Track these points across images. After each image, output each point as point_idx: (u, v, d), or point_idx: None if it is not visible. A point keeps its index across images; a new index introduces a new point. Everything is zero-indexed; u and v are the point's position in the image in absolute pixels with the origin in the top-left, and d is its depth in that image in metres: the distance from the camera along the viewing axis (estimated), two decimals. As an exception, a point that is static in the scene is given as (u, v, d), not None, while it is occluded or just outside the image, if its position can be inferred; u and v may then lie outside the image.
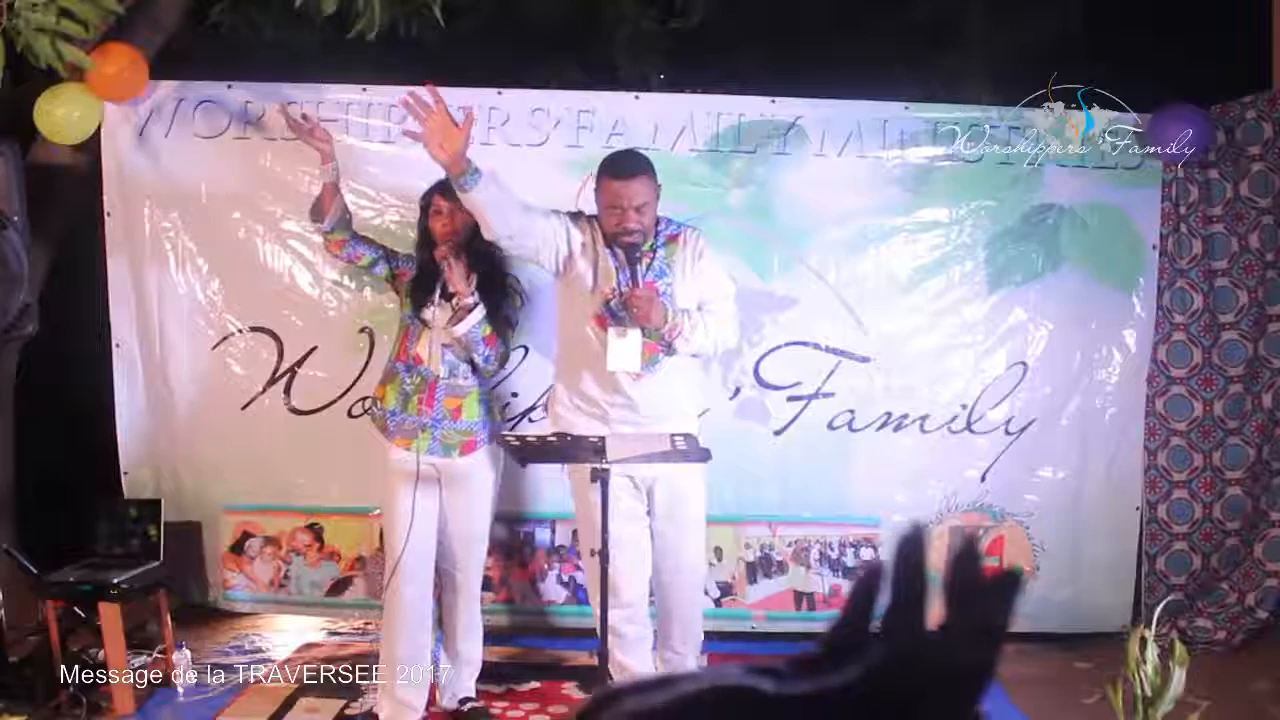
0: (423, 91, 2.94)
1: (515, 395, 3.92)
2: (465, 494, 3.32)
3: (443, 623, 3.45)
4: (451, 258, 3.16)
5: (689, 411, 3.29)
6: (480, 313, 3.18)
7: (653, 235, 3.16)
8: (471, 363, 3.25)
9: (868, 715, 0.48)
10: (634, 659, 3.25)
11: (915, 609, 0.50)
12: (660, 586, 3.31)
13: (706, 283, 3.21)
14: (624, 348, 3.06)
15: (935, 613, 0.50)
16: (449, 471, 3.28)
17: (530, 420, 3.92)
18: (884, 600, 0.51)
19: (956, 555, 0.50)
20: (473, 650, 3.45)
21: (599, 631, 3.02)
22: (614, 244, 3.11)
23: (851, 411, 3.98)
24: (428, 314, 3.21)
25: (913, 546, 0.51)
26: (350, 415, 3.91)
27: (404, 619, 3.27)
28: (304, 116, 3.35)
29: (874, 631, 0.51)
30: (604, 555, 3.01)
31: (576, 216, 3.21)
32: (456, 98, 3.89)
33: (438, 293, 3.18)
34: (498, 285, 3.30)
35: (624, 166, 3.09)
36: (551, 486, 3.86)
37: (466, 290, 3.17)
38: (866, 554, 4.06)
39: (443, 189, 3.31)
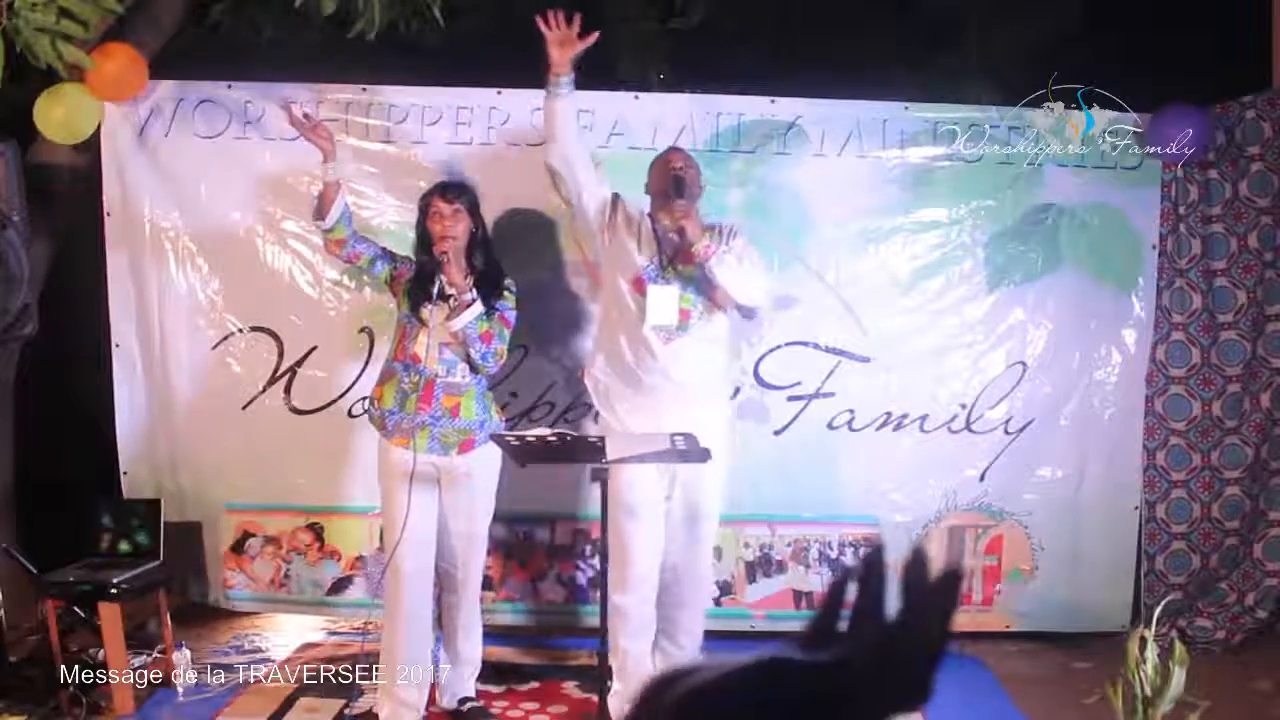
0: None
1: (514, 395, 3.92)
2: (464, 493, 3.32)
3: (442, 622, 3.45)
4: (450, 254, 3.18)
5: (717, 386, 3.49)
6: (477, 308, 3.20)
7: (694, 196, 3.35)
8: (469, 361, 3.26)
9: (858, 683, 0.61)
10: (637, 646, 3.27)
11: (877, 606, 0.64)
12: (671, 575, 3.37)
13: (736, 252, 3.34)
14: (661, 303, 3.27)
15: (894, 608, 0.63)
16: (448, 470, 3.29)
17: (530, 420, 3.92)
18: (852, 599, 0.64)
19: (907, 561, 0.63)
20: (473, 650, 3.45)
21: (601, 625, 3.04)
22: (662, 205, 3.31)
23: (851, 411, 3.98)
24: (425, 312, 3.22)
25: (876, 558, 0.66)
26: (350, 415, 3.91)
27: (404, 619, 3.27)
28: (306, 115, 3.35)
29: (844, 623, 0.64)
30: (604, 554, 3.03)
31: (622, 198, 3.42)
32: (456, 98, 3.92)
33: (435, 290, 3.18)
34: (494, 284, 3.30)
35: (671, 149, 3.53)
36: (551, 486, 3.86)
37: (464, 286, 3.20)
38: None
39: (441, 191, 3.32)
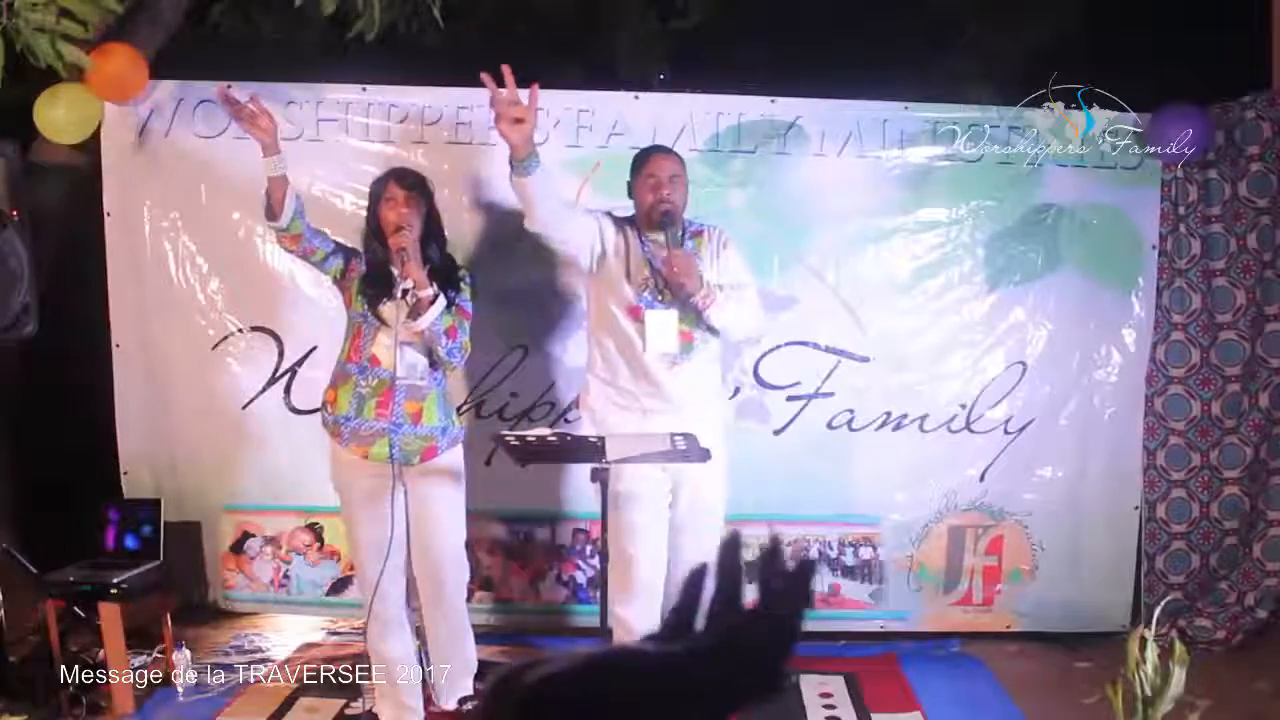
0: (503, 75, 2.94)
1: (515, 395, 3.92)
2: (431, 502, 3.20)
3: (425, 631, 3.36)
4: (409, 250, 3.01)
5: (716, 404, 3.42)
6: (442, 303, 3.05)
7: (682, 222, 3.25)
8: (430, 361, 3.13)
9: (707, 672, 0.62)
10: None
11: (733, 597, 0.66)
12: (674, 584, 3.30)
13: (729, 273, 3.29)
14: (661, 330, 3.18)
15: (750, 599, 0.65)
16: (412, 480, 3.15)
17: (530, 420, 3.92)
18: (710, 591, 0.66)
19: (764, 553, 0.66)
20: (468, 652, 3.40)
21: (601, 625, 3.04)
22: (648, 226, 3.21)
23: (851, 411, 3.99)
24: (386, 310, 3.08)
25: (731, 548, 0.68)
26: (350, 415, 3.91)
27: (389, 622, 3.23)
28: (251, 98, 3.06)
29: (702, 615, 0.66)
30: (603, 556, 3.02)
31: (609, 215, 3.30)
32: (456, 98, 3.92)
33: (401, 289, 2.99)
34: (451, 277, 3.17)
35: (658, 147, 3.38)
36: (551, 486, 3.86)
37: (424, 282, 3.03)
38: (866, 553, 4.06)
39: (397, 177, 3.18)
